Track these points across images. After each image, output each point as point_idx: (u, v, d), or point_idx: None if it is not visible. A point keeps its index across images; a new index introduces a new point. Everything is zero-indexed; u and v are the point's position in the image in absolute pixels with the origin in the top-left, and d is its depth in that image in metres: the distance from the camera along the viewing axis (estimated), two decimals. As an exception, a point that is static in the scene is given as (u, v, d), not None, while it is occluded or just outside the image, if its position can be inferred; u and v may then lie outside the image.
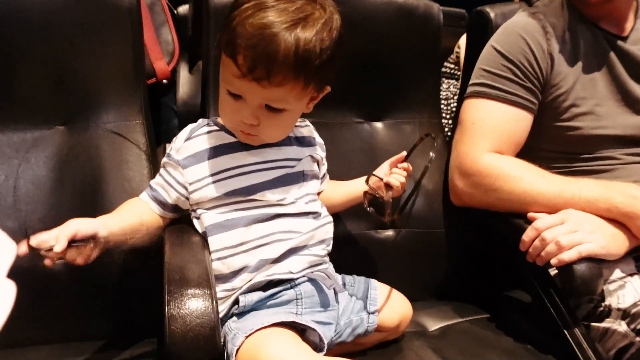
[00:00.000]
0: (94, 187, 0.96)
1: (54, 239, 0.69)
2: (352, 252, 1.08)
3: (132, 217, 0.83)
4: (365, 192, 0.91)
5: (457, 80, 2.27)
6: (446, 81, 2.25)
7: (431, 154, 0.86)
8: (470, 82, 1.11)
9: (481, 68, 1.09)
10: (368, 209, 0.91)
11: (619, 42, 1.08)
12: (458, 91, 2.19)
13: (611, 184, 0.96)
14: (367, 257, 1.10)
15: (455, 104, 2.13)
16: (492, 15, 1.18)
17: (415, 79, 1.17)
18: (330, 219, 0.91)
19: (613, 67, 1.08)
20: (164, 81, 1.27)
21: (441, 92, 2.19)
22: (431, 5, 1.16)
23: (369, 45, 1.12)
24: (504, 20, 1.15)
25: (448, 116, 2.11)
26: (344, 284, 0.92)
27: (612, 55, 1.08)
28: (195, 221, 0.85)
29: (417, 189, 0.90)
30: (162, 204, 0.86)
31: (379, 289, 0.93)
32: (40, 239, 0.69)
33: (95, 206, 0.95)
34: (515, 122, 1.05)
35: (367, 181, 0.92)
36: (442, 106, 2.09)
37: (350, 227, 1.09)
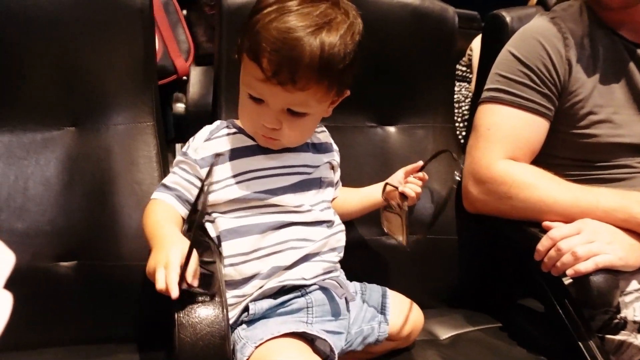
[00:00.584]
0: (103, 189, 0.95)
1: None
2: (363, 258, 1.06)
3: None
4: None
5: (468, 83, 2.25)
6: (457, 84, 2.22)
7: (456, 176, 0.85)
8: (486, 87, 1.09)
9: (497, 73, 1.07)
10: (385, 229, 0.90)
11: (638, 50, 1.06)
12: (469, 94, 2.17)
13: (629, 193, 0.94)
14: (378, 263, 1.09)
15: (466, 108, 2.10)
16: (508, 19, 1.17)
17: (429, 83, 1.15)
18: (343, 227, 0.90)
19: (631, 75, 1.06)
20: (184, 78, 1.30)
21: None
22: (446, 8, 1.14)
23: (382, 48, 1.10)
24: (520, 25, 1.13)
25: (459, 119, 2.08)
26: (355, 292, 0.90)
27: (631, 63, 1.06)
28: (208, 225, 0.83)
29: (441, 214, 0.90)
30: (187, 203, 0.83)
31: (390, 297, 0.91)
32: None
33: (105, 208, 0.94)
34: (531, 128, 1.04)
35: (382, 193, 0.92)
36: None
37: (362, 232, 1.08)
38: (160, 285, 0.63)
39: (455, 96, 2.17)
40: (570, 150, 1.06)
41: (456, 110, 2.11)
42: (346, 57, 0.76)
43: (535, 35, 1.06)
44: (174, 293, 0.62)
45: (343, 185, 1.00)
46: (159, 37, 1.26)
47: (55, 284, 0.93)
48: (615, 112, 1.04)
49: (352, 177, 1.04)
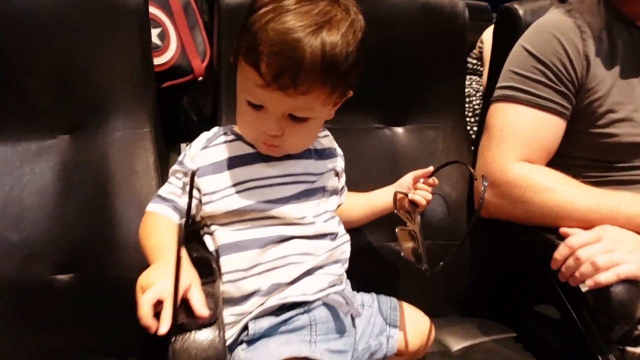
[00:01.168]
0: (101, 198, 0.92)
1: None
2: (371, 266, 1.03)
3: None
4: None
5: (479, 76, 2.19)
6: (468, 77, 2.16)
7: (481, 197, 0.80)
8: (499, 84, 1.04)
9: (510, 70, 1.02)
10: (402, 253, 0.86)
11: (659, 44, 1.01)
12: (481, 88, 2.11)
13: None
14: (387, 270, 1.05)
15: (477, 102, 2.05)
16: (521, 12, 1.11)
17: (439, 81, 1.11)
18: (348, 237, 0.86)
19: (652, 70, 1.00)
20: (200, 78, 1.28)
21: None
22: (456, 2, 1.09)
23: (390, 46, 1.05)
24: (533, 18, 1.08)
25: (470, 114, 2.03)
26: (362, 304, 0.86)
27: (652, 57, 1.00)
28: (206, 237, 0.80)
29: (464, 242, 0.86)
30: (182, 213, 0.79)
31: (400, 310, 0.87)
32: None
33: (103, 218, 0.92)
34: (547, 128, 0.99)
35: (395, 205, 0.88)
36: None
37: (370, 239, 1.04)
38: (145, 315, 0.60)
39: (466, 90, 2.11)
40: (588, 151, 1.01)
41: (467, 105, 2.05)
42: (349, 56, 0.71)
43: (551, 29, 1.01)
44: (164, 328, 0.58)
45: (350, 190, 0.96)
46: (177, 37, 1.24)
47: (53, 296, 0.91)
48: (636, 110, 0.99)
49: (360, 181, 1.00)
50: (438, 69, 1.10)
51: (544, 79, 0.98)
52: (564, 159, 1.01)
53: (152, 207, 0.79)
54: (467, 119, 1.98)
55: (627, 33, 1.01)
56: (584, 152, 1.01)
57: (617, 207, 0.89)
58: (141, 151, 0.95)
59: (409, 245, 0.89)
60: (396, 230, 0.91)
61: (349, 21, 0.72)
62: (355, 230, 0.97)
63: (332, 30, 0.70)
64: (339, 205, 0.91)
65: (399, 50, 1.07)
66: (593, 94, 0.98)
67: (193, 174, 0.73)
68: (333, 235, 0.82)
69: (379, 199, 0.93)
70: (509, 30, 1.11)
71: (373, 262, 1.04)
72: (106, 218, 0.91)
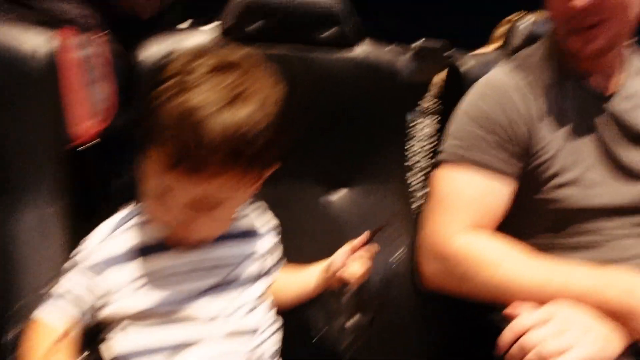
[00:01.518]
0: (7, 290, 0.82)
1: None
2: (309, 348, 0.94)
3: None
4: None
5: (440, 114, 2.15)
6: (430, 116, 2.12)
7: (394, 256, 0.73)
8: (442, 147, 0.98)
9: (455, 131, 0.98)
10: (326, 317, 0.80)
11: (607, 102, 0.97)
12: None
13: (604, 273, 0.84)
14: (327, 353, 0.97)
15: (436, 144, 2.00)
16: (466, 67, 1.07)
17: (380, 142, 1.05)
18: (277, 326, 0.78)
19: (601, 129, 0.96)
20: (89, 143, 1.12)
21: (424, 129, 2.06)
22: (395, 59, 1.04)
23: (326, 108, 1.00)
24: (479, 74, 1.04)
25: (431, 154, 1.98)
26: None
27: (601, 116, 0.96)
28: (103, 345, 0.70)
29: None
30: (81, 312, 0.70)
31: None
32: None
33: (7, 311, 0.81)
34: (495, 193, 0.93)
35: (323, 285, 0.81)
36: (425, 144, 1.97)
37: (307, 316, 0.96)
38: None
39: (428, 130, 2.07)
40: (536, 216, 0.95)
41: (428, 145, 2.01)
42: (261, 134, 0.64)
43: (495, 89, 0.97)
44: None
45: (289, 262, 0.88)
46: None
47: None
48: (586, 171, 0.94)
49: (298, 256, 0.92)
50: (379, 128, 1.04)
51: (489, 140, 0.93)
52: (512, 222, 0.94)
53: (40, 312, 0.70)
54: (428, 161, 1.93)
55: (576, 91, 0.97)
56: (532, 217, 0.96)
57: (566, 283, 0.83)
58: (51, 233, 0.85)
59: (334, 309, 0.82)
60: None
61: (264, 95, 0.66)
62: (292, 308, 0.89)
63: (241, 107, 0.63)
64: (270, 285, 0.83)
65: (336, 113, 1.01)
66: (539, 157, 0.93)
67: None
68: (254, 332, 0.74)
69: (313, 277, 0.85)
70: (455, 89, 1.06)
71: (311, 344, 0.95)
72: (10, 310, 0.82)
